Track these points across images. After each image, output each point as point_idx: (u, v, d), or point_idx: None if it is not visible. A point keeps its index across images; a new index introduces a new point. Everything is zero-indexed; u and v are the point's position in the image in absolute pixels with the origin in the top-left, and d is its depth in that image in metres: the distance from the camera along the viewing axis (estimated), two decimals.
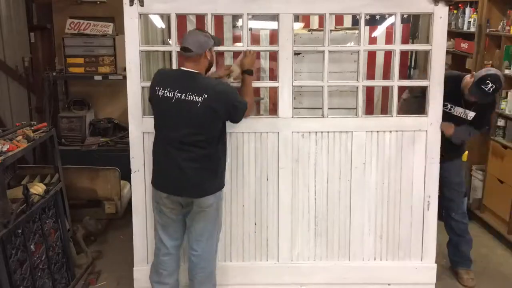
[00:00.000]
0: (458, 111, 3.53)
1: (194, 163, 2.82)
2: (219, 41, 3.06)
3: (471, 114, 3.51)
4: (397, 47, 3.23)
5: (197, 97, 2.74)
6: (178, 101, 2.76)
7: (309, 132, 3.29)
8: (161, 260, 3.05)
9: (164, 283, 3.08)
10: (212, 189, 2.91)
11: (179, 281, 3.18)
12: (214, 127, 2.83)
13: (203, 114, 2.75)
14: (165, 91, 2.79)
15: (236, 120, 2.93)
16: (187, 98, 2.75)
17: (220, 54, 4.03)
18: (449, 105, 3.50)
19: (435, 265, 3.44)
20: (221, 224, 3.15)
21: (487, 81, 3.24)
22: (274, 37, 3.62)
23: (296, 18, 3.74)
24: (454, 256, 3.81)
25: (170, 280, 3.09)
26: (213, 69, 3.13)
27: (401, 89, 3.60)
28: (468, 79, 3.42)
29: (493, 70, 3.37)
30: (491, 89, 3.23)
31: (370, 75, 3.85)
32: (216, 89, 2.80)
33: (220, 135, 2.90)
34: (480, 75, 3.29)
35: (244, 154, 3.30)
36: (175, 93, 2.77)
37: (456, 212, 3.68)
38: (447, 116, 3.44)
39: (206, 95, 2.74)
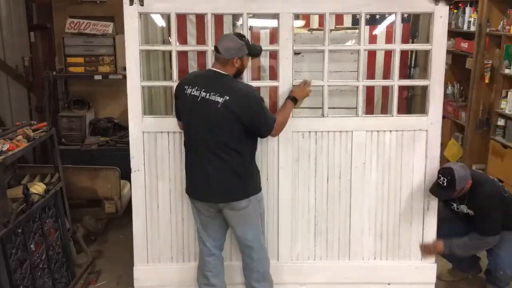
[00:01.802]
0: (462, 209, 3.39)
1: (219, 166, 2.80)
2: (257, 52, 2.96)
3: (471, 212, 3.33)
4: (397, 46, 3.22)
5: (219, 98, 2.73)
6: (202, 100, 2.76)
7: (309, 132, 3.29)
8: (205, 261, 3.05)
9: (211, 284, 3.06)
10: (241, 195, 2.86)
11: (225, 282, 3.15)
12: (235, 131, 2.77)
13: (222, 116, 2.73)
14: (193, 90, 2.80)
15: (260, 133, 2.88)
16: (210, 98, 2.75)
17: None
18: (454, 204, 3.42)
19: (435, 264, 3.43)
20: (263, 222, 3.13)
21: (439, 175, 3.14)
22: (274, 36, 3.62)
23: (296, 17, 3.73)
24: None
25: (216, 281, 3.07)
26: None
27: (401, 88, 3.59)
28: None
29: (450, 164, 3.25)
30: (445, 183, 3.09)
31: (370, 75, 3.84)
32: (240, 92, 2.77)
33: (247, 142, 2.84)
34: None
35: None
36: (201, 92, 2.78)
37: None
38: (454, 215, 3.44)
39: (227, 97, 2.73)
